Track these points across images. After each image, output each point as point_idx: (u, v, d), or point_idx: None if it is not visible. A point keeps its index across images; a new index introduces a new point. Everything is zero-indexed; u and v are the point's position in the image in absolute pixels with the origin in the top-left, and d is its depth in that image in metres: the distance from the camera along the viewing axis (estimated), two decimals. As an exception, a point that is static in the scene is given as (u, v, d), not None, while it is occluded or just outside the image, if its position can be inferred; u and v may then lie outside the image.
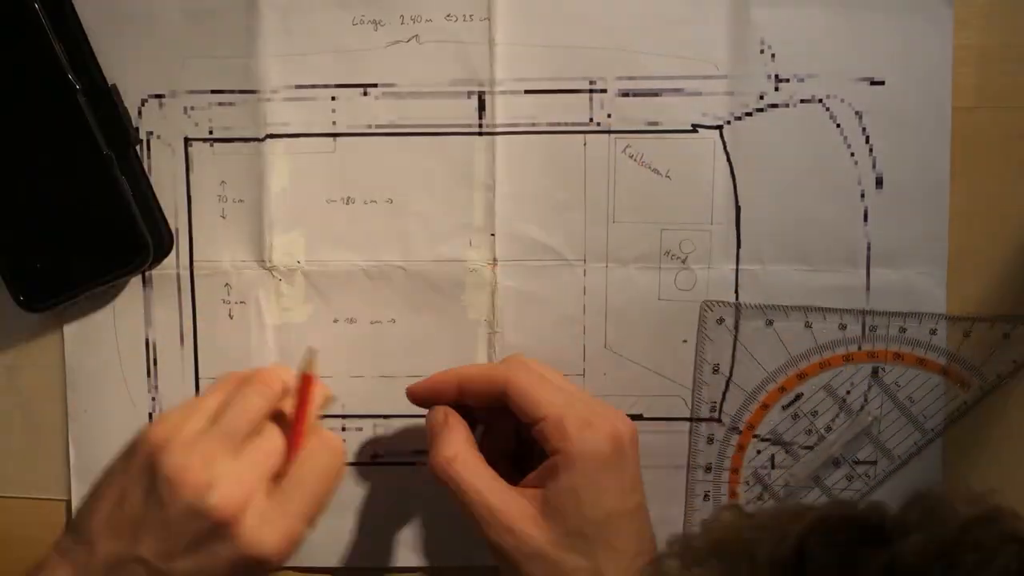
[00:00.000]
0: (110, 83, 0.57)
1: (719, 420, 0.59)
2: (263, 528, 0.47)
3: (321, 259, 0.59)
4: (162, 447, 0.47)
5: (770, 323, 0.58)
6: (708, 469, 0.59)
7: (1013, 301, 0.58)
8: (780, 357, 0.58)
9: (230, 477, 0.47)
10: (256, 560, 0.47)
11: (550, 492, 0.50)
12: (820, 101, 0.57)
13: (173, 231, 0.59)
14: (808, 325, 0.58)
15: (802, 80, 0.57)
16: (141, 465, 0.47)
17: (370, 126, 0.58)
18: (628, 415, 0.58)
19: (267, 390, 0.50)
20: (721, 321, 0.58)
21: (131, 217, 0.56)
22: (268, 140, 0.58)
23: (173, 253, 0.59)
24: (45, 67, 0.55)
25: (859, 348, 0.58)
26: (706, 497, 0.59)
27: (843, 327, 0.58)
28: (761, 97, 0.57)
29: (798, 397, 0.58)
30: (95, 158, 0.56)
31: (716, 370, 0.58)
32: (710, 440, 0.59)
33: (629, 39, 0.57)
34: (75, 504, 0.60)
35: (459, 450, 0.52)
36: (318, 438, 0.51)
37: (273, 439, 0.50)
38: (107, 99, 0.57)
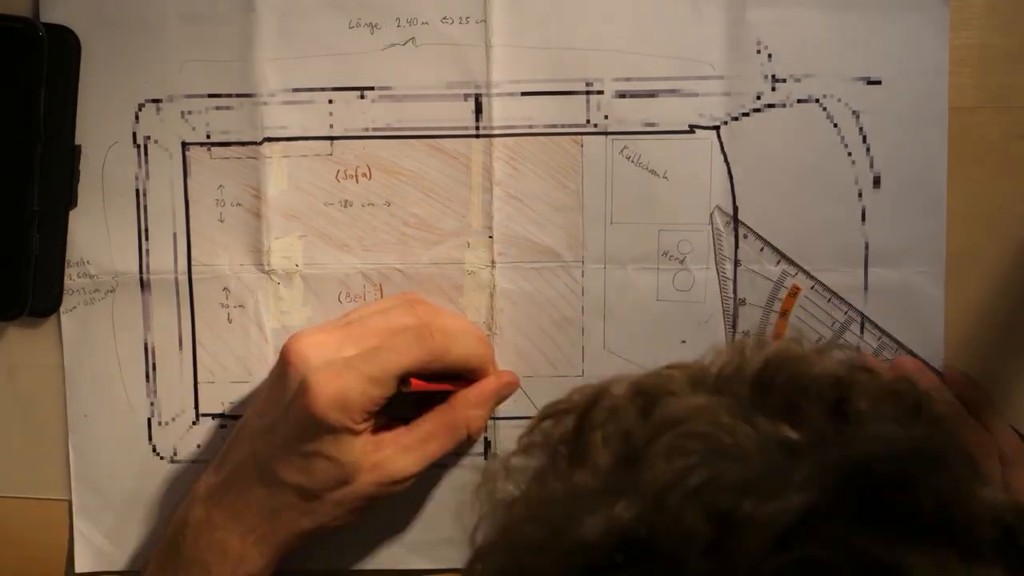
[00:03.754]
0: (77, 142, 0.58)
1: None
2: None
3: (319, 262, 0.59)
4: (294, 338, 0.53)
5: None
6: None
7: (1012, 301, 0.57)
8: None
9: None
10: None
11: None
12: (817, 101, 0.56)
13: (172, 240, 0.59)
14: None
15: (799, 80, 0.56)
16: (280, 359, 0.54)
17: (367, 129, 0.58)
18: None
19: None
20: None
21: (22, 272, 0.57)
22: (266, 143, 0.58)
23: (171, 257, 0.59)
24: (21, 106, 0.56)
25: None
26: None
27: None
28: (758, 97, 0.57)
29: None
30: (21, 209, 0.56)
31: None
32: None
33: (625, 40, 0.57)
34: (75, 505, 0.60)
35: None
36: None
37: (406, 343, 0.53)
38: (67, 157, 0.58)
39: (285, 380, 0.52)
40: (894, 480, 0.29)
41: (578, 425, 0.35)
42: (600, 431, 0.34)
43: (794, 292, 0.57)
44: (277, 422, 0.52)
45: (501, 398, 0.57)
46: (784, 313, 0.57)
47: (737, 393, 0.34)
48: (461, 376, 0.56)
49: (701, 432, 0.31)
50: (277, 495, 0.52)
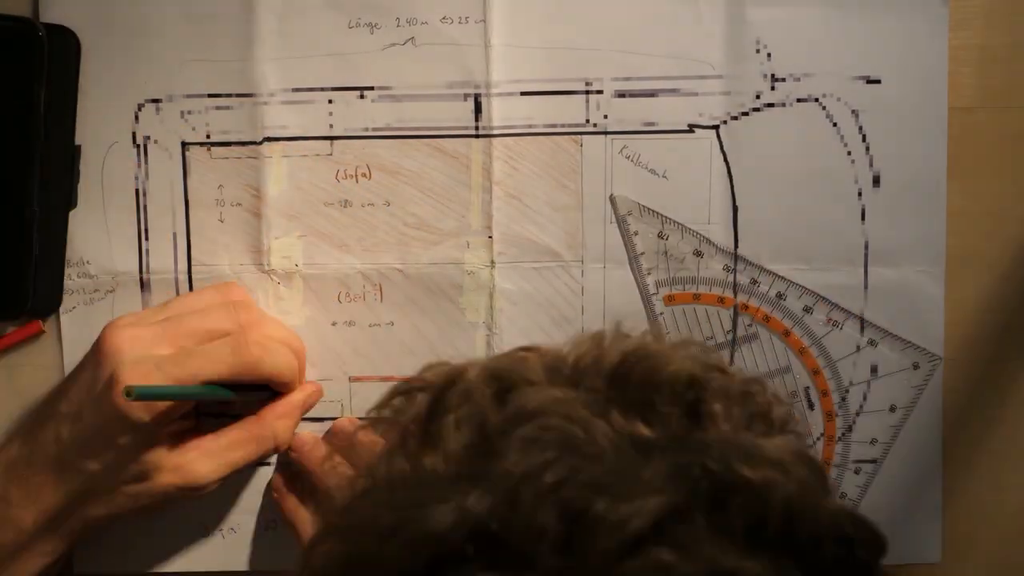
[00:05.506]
0: (77, 142, 0.58)
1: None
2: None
3: (319, 262, 0.59)
4: (111, 327, 0.53)
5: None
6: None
7: (1012, 300, 0.57)
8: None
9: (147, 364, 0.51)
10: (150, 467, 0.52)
11: None
12: (816, 100, 0.57)
13: (172, 240, 0.59)
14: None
15: (798, 79, 0.57)
16: (94, 347, 0.54)
17: (367, 129, 0.58)
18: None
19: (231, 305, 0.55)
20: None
21: (23, 272, 0.57)
22: (265, 143, 0.58)
23: (171, 257, 0.59)
24: (21, 105, 0.56)
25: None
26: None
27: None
28: (757, 96, 0.57)
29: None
30: (21, 208, 0.56)
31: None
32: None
33: (625, 40, 0.57)
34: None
35: None
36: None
37: (220, 351, 0.53)
38: (67, 157, 0.58)
39: (96, 370, 0.52)
40: (745, 489, 0.30)
41: (431, 406, 0.34)
42: (454, 414, 0.33)
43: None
44: (84, 410, 0.52)
45: (308, 407, 0.58)
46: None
47: (592, 387, 0.33)
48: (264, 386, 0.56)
49: (556, 426, 0.31)
50: (75, 481, 0.52)
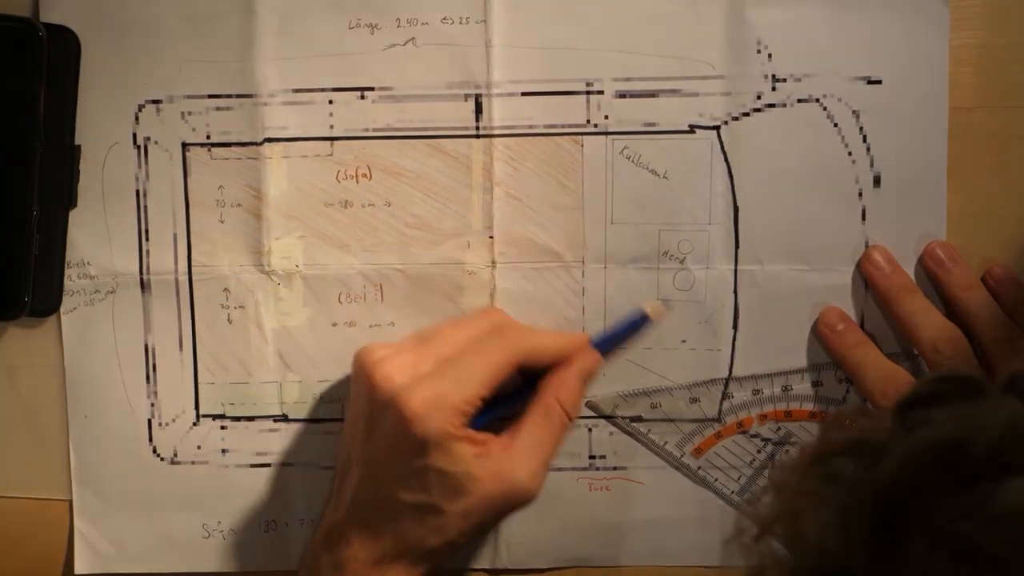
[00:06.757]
0: (77, 142, 0.58)
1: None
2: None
3: (319, 263, 0.59)
4: (370, 367, 0.52)
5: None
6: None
7: (1013, 300, 0.57)
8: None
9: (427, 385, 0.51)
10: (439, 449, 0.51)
11: None
12: (817, 100, 0.56)
13: (172, 241, 0.59)
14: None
15: (799, 80, 0.56)
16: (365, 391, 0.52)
17: (367, 129, 0.58)
18: (627, 416, 0.59)
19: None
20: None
21: (22, 272, 0.57)
22: (266, 144, 0.58)
23: (172, 258, 0.59)
24: (21, 104, 0.56)
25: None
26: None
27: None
28: (758, 97, 0.57)
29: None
30: (21, 208, 0.56)
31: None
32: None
33: (625, 40, 0.57)
34: (76, 505, 0.60)
35: None
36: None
37: (488, 343, 0.53)
38: (67, 157, 0.58)
39: (377, 406, 0.51)
40: None
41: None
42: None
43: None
44: (382, 449, 0.51)
45: (586, 373, 0.55)
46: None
47: None
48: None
49: None
50: (402, 518, 0.51)
